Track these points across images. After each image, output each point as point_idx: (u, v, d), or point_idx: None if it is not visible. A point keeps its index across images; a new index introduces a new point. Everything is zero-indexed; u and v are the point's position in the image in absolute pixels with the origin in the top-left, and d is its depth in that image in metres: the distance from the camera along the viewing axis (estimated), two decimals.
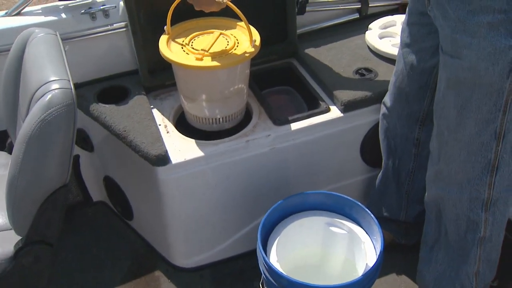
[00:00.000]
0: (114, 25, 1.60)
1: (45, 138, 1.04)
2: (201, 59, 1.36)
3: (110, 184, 1.79)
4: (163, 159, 1.41)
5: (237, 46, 1.41)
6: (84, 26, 1.58)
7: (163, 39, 1.43)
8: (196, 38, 1.45)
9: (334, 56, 1.73)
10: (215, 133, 1.53)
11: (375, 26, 1.82)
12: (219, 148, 1.47)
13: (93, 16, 1.57)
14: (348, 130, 1.60)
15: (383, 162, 1.58)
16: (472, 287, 1.33)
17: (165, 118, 1.55)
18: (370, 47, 1.75)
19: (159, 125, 1.52)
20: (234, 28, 1.48)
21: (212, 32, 1.46)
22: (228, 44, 1.41)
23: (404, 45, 1.35)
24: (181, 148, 1.47)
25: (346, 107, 1.54)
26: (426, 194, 1.36)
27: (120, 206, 1.83)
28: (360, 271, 1.36)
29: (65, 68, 1.14)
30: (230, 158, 1.49)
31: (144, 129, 1.48)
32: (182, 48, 1.41)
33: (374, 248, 1.34)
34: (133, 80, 1.66)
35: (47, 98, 1.04)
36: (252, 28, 1.40)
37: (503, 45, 0.99)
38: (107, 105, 1.56)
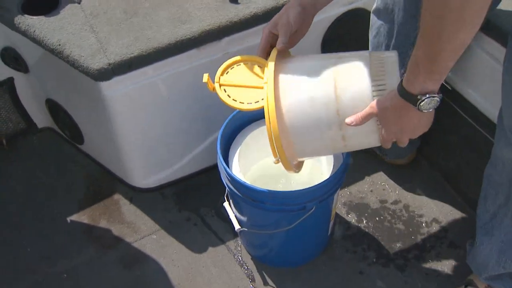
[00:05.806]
0: None
1: None
2: None
3: (53, 107, 1.64)
4: (105, 72, 1.27)
5: None
6: None
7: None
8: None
9: None
10: None
11: None
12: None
13: None
14: None
15: None
16: None
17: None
18: None
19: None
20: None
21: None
22: None
23: None
24: None
25: None
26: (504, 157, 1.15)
27: (68, 131, 1.69)
28: (327, 176, 1.31)
29: None
30: (181, 67, 1.37)
31: (81, 41, 1.31)
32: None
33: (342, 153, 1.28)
34: None
35: None
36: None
37: None
38: (35, 17, 1.37)
